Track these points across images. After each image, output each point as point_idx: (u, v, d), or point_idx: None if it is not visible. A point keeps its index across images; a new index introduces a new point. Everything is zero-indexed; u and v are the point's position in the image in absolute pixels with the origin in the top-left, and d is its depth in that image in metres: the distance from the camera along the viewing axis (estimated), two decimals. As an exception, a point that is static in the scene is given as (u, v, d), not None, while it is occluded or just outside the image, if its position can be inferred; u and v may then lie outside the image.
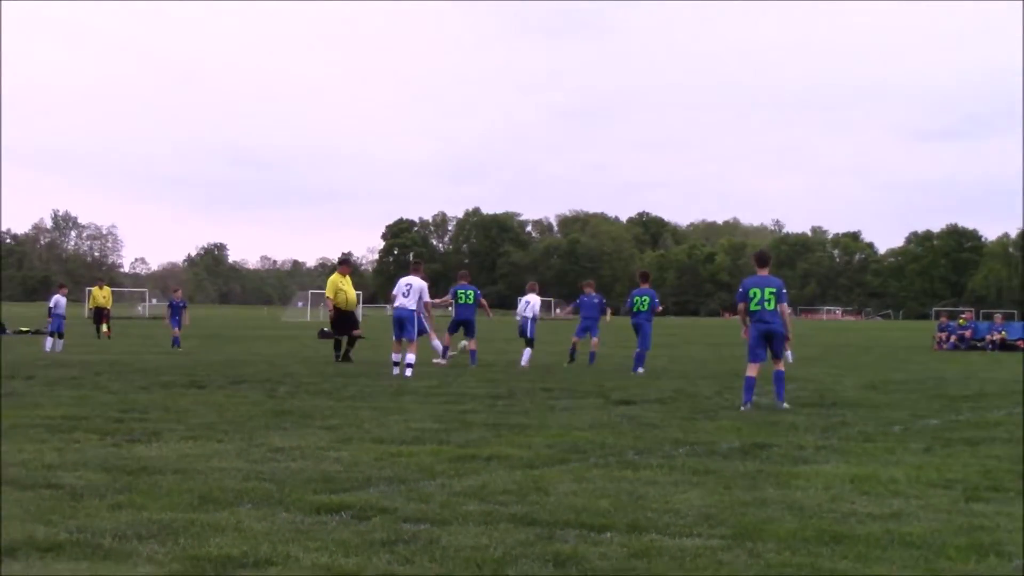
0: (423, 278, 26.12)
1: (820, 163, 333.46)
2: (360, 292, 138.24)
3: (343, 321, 31.21)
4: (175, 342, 38.76)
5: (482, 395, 19.74)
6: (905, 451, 12.92)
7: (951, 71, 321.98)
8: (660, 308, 29.24)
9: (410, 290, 25.62)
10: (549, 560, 7.46)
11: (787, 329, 19.41)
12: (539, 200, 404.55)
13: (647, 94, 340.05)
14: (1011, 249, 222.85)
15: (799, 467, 11.58)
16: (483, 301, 30.17)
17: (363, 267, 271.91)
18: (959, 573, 7.32)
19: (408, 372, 24.41)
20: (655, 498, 9.61)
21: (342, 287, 31.13)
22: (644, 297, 28.61)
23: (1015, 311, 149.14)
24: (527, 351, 29.38)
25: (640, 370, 27.60)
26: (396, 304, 25.66)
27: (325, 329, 55.73)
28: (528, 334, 29.86)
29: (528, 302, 30.81)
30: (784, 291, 19.26)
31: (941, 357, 41.27)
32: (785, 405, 18.61)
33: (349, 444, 12.90)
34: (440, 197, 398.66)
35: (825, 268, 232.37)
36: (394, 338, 25.63)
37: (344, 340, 31.03)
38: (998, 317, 54.86)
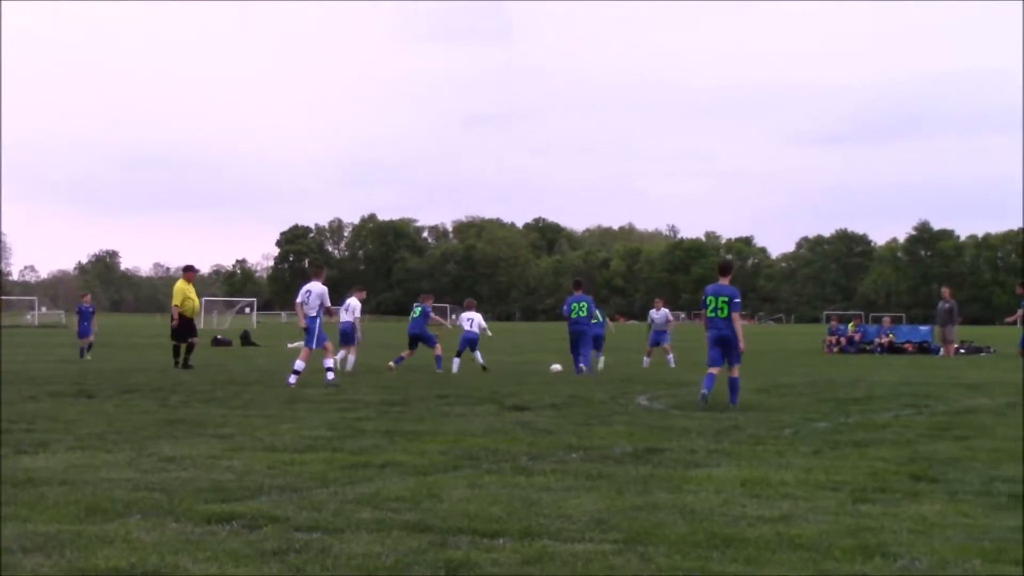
0: (324, 283, 25.67)
1: (714, 168, 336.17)
2: (254, 299, 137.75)
3: (185, 328, 31.04)
4: (82, 352, 37.82)
5: (376, 402, 19.69)
6: (795, 454, 13.05)
7: (843, 76, 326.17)
8: (596, 314, 29.76)
9: (310, 297, 25.21)
10: (441, 567, 7.46)
11: (740, 337, 19.99)
12: (435, 206, 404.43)
13: (542, 99, 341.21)
14: (900, 253, 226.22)
15: (691, 471, 11.66)
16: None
17: (258, 274, 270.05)
18: (845, 574, 7.41)
19: (291, 379, 23.84)
20: (548, 504, 9.64)
21: (189, 295, 31.17)
22: (582, 303, 29.19)
23: (903, 314, 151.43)
24: (456, 360, 30.27)
25: (583, 367, 28.49)
26: (306, 312, 25.20)
27: (219, 336, 55.54)
28: (473, 348, 30.86)
29: (471, 319, 31.58)
30: (737, 300, 20.12)
31: (831, 360, 41.73)
32: (735, 405, 19.29)
33: (241, 453, 12.81)
34: (336, 203, 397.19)
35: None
36: (304, 343, 25.31)
37: (183, 347, 30.86)
38: (886, 320, 55.61)
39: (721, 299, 20.00)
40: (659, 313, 35.95)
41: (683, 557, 7.76)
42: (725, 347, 19.83)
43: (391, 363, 30.28)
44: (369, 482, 10.76)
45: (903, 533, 8.54)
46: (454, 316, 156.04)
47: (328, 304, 25.37)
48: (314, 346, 24.93)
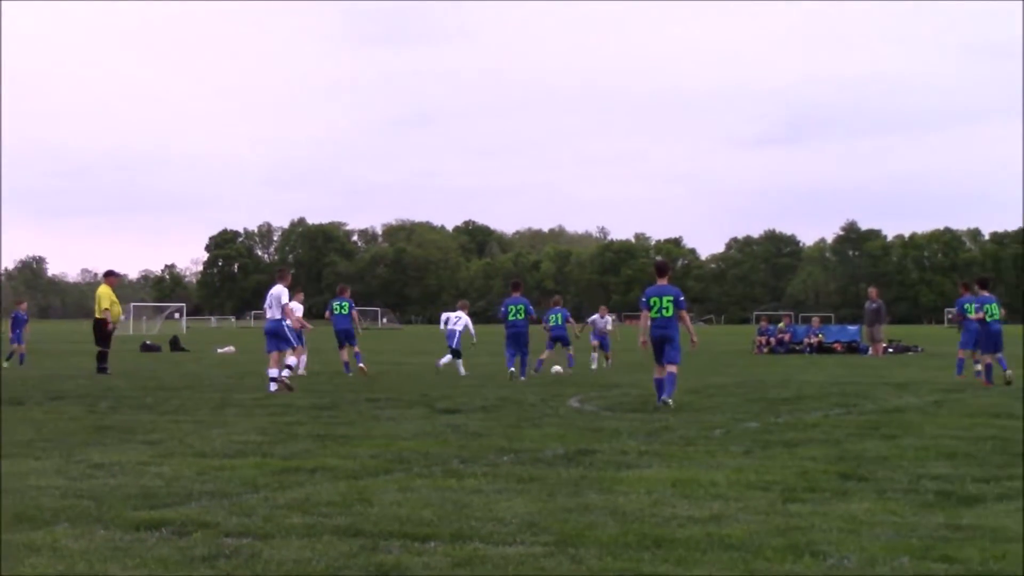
0: (288, 286, 25.67)
1: (643, 170, 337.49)
2: (183, 304, 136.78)
3: (105, 333, 30.78)
4: (22, 358, 37.32)
5: (307, 406, 19.61)
6: (725, 454, 13.11)
7: (769, 79, 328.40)
8: (533, 316, 30.08)
9: (272, 300, 25.22)
10: (373, 571, 7.45)
11: (691, 332, 20.72)
12: (365, 209, 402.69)
13: (472, 101, 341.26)
14: (828, 253, 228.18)
15: (622, 472, 11.68)
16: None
17: (187, 279, 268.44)
18: (776, 573, 7.46)
19: (272, 386, 23.76)
20: (479, 506, 9.63)
21: (114, 300, 30.99)
22: (520, 305, 29.41)
23: (832, 314, 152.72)
24: (458, 361, 30.82)
25: (513, 369, 28.71)
26: (268, 316, 25.37)
27: (147, 342, 55.18)
28: (455, 345, 31.28)
29: (460, 317, 32.26)
30: (682, 299, 20.60)
31: (761, 361, 42.00)
32: (670, 401, 19.55)
33: (171, 459, 12.72)
34: (265, 207, 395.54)
35: (648, 274, 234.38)
36: (266, 350, 25.30)
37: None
38: (815, 320, 56.02)
39: (666, 299, 20.40)
40: (603, 320, 36.42)
41: (614, 558, 7.78)
42: (667, 346, 20.21)
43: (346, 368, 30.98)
44: (299, 487, 10.71)
45: (832, 532, 8.60)
46: (384, 319, 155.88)
47: (287, 303, 25.25)
48: (292, 345, 25.27)
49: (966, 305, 27.25)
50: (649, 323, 20.52)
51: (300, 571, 7.45)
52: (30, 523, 8.91)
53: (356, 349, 31.08)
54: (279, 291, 25.15)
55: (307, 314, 32.74)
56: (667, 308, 20.35)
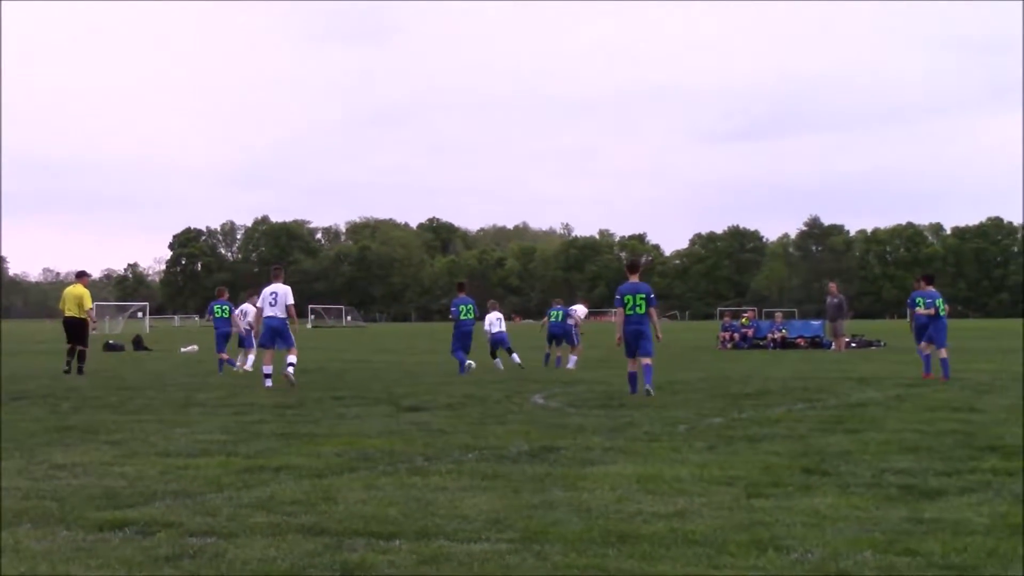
0: (284, 283, 25.87)
1: (607, 166, 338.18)
2: (147, 303, 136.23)
3: (84, 333, 30.68)
4: None
5: (271, 405, 19.58)
6: (690, 450, 13.14)
7: (731, 75, 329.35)
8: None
9: (276, 299, 25.30)
10: (337, 570, 7.44)
11: (656, 329, 21.96)
12: (328, 207, 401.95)
13: (434, 98, 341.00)
14: (791, 249, 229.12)
15: (587, 469, 11.70)
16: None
17: (150, 278, 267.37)
18: (740, 568, 7.48)
19: (289, 370, 24.40)
20: (444, 504, 9.63)
21: (88, 299, 31.03)
22: (469, 305, 30.09)
23: (795, 310, 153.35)
24: (514, 355, 32.21)
25: (464, 373, 29.10)
26: (265, 314, 25.38)
27: (111, 342, 54.92)
28: (506, 344, 32.41)
29: (500, 318, 33.14)
30: (653, 296, 21.73)
31: (725, 356, 42.11)
32: (651, 389, 20.99)
33: (134, 459, 12.67)
34: (228, 205, 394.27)
35: (613, 271, 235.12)
36: (264, 347, 25.58)
37: (78, 352, 30.61)
38: (778, 316, 56.18)
39: (639, 296, 21.53)
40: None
41: (579, 555, 7.79)
42: (641, 339, 21.37)
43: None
44: (264, 486, 10.69)
45: (796, 526, 8.63)
46: (349, 317, 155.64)
47: (290, 302, 25.39)
48: (292, 343, 25.40)
49: (918, 299, 27.38)
50: (623, 319, 21.52)
51: (265, 570, 7.43)
52: (-8, 524, 8.87)
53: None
54: (286, 290, 25.37)
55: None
56: (640, 305, 21.49)
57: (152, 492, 10.35)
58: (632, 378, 21.46)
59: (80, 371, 30.03)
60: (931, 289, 27.20)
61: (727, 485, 10.56)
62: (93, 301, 32.40)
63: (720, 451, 13.05)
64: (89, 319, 30.62)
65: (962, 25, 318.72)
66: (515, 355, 32.10)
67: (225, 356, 32.10)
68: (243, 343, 32.99)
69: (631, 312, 21.52)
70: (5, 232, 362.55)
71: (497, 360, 32.18)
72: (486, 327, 33.20)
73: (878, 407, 18.66)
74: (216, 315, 33.00)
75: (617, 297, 21.87)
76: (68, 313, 30.80)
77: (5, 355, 44.65)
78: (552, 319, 32.71)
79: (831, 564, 7.52)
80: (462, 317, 29.86)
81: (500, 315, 33.20)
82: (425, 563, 7.60)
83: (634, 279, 21.92)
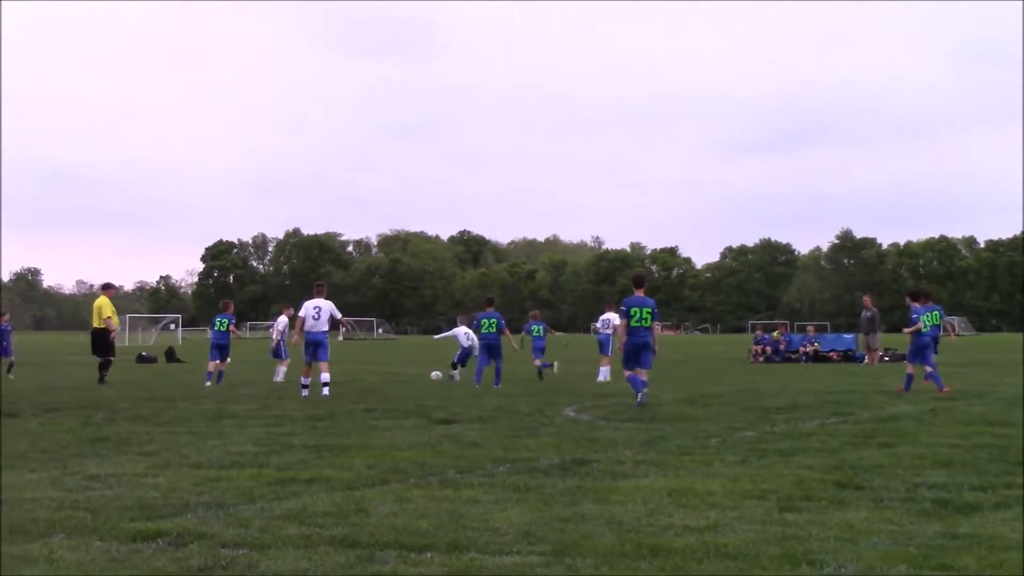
0: (327, 298, 26.70)
1: (638, 179, 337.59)
2: (179, 315, 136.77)
3: (110, 344, 30.85)
4: (10, 368, 37.28)
5: (302, 417, 19.61)
6: (721, 463, 13.10)
7: (763, 86, 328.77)
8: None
9: (320, 313, 26.05)
10: (369, 582, 7.44)
11: (655, 342, 22.62)
12: (359, 219, 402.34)
13: (466, 110, 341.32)
14: (823, 262, 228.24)
15: (618, 482, 11.67)
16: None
17: (182, 290, 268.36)
18: (773, 582, 7.45)
19: (325, 391, 25.04)
20: (475, 517, 9.62)
21: (114, 310, 31.19)
22: (492, 319, 30.21)
23: (827, 323, 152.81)
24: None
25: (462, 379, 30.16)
26: (307, 327, 26.02)
27: (143, 354, 55.12)
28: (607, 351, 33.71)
29: (608, 320, 34.27)
30: (656, 311, 22.59)
31: (756, 369, 42.00)
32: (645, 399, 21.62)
33: (167, 470, 12.71)
34: (259, 218, 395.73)
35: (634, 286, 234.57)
36: (305, 361, 26.04)
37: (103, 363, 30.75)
38: (810, 329, 56.15)
39: (645, 310, 22.28)
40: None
41: (611, 568, 7.77)
42: (644, 352, 22.21)
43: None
44: (296, 498, 10.70)
45: (829, 541, 8.59)
46: (380, 330, 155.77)
47: (339, 316, 26.55)
48: (327, 358, 25.97)
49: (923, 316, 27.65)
50: (627, 331, 22.28)
51: (297, 582, 7.44)
52: (26, 535, 8.90)
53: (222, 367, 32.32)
54: (330, 305, 26.27)
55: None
56: (646, 319, 22.31)
57: (185, 503, 10.38)
58: (635, 380, 22.00)
59: (99, 380, 30.09)
60: (916, 305, 27.35)
61: (759, 499, 10.52)
62: (118, 312, 32.57)
63: (752, 464, 13.01)
64: (108, 328, 30.71)
65: (996, 34, 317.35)
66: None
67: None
68: (278, 354, 33.20)
69: (637, 324, 22.28)
70: (40, 245, 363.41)
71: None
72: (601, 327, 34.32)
73: (912, 421, 18.57)
74: (216, 328, 33.15)
75: (623, 309, 22.55)
76: (94, 324, 31.02)
77: (39, 366, 44.87)
78: (534, 335, 33.75)
79: (865, 579, 7.49)
80: (483, 331, 30.26)
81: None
82: (457, 576, 7.60)
83: (639, 293, 22.80)
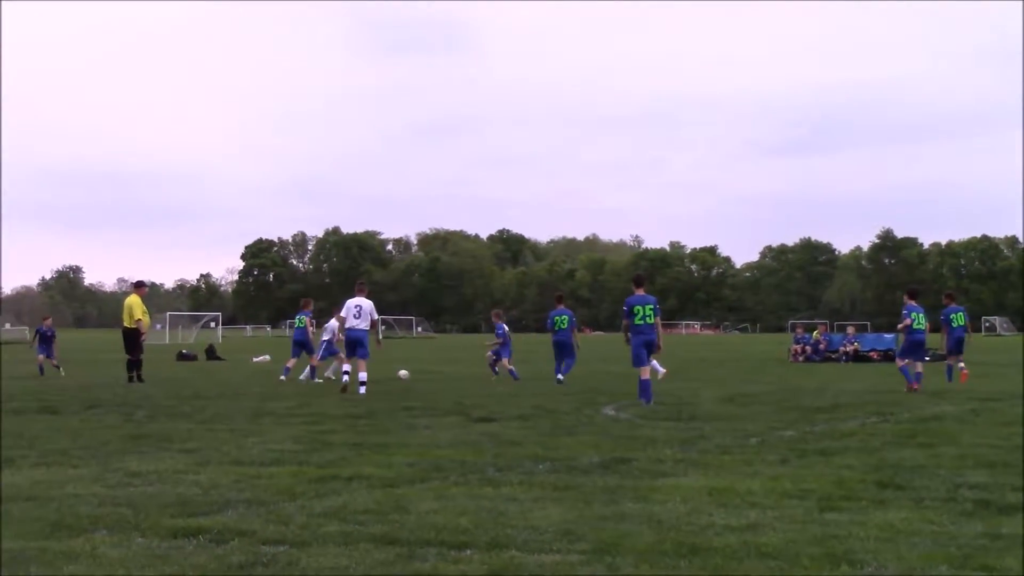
0: (368, 297, 27.30)
1: (677, 178, 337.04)
2: (219, 313, 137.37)
3: (139, 342, 30.97)
4: (41, 369, 37.39)
5: (342, 415, 19.65)
6: (761, 463, 13.06)
7: (803, 84, 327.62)
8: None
9: (361, 311, 26.62)
10: (409, 579, 7.45)
11: (659, 339, 23.13)
12: (399, 218, 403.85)
13: (505, 110, 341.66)
14: (864, 262, 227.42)
15: (658, 481, 11.65)
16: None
17: (222, 288, 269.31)
18: (813, 582, 7.43)
19: (362, 389, 25.54)
20: (515, 515, 9.62)
21: (145, 309, 31.24)
22: (563, 316, 31.15)
23: (868, 323, 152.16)
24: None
25: (560, 377, 30.16)
26: (348, 325, 26.63)
27: (184, 351, 55.36)
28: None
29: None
30: (658, 307, 23.20)
31: (796, 369, 41.85)
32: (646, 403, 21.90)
33: (207, 467, 12.75)
34: (299, 216, 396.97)
35: (683, 283, 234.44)
36: (346, 355, 27.26)
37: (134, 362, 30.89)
38: (851, 329, 55.82)
39: (648, 307, 22.97)
40: None
41: (650, 566, 7.76)
42: (650, 349, 22.94)
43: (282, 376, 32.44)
44: (336, 495, 10.72)
45: (870, 541, 8.56)
46: (419, 328, 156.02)
47: (376, 317, 26.95)
48: (367, 356, 26.58)
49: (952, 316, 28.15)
50: (634, 328, 22.76)
51: (337, 579, 7.46)
52: (68, 531, 8.95)
53: (313, 361, 32.90)
54: (371, 304, 26.82)
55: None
56: (649, 316, 22.87)
57: (225, 500, 10.41)
58: (645, 386, 22.44)
59: (129, 379, 30.19)
60: (912, 303, 27.46)
61: (799, 498, 10.49)
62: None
63: (792, 464, 12.97)
64: (139, 329, 30.82)
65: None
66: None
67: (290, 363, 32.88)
68: (330, 351, 33.44)
69: (641, 322, 22.78)
70: (81, 243, 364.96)
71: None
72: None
73: (953, 421, 18.48)
74: (297, 325, 33.98)
75: (625, 308, 23.18)
76: (124, 324, 31.15)
77: (80, 363, 45.12)
78: (557, 328, 31.59)
79: (906, 579, 7.46)
80: (556, 327, 30.75)
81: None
82: (496, 574, 7.60)
83: (640, 292, 23.31)
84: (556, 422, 18.35)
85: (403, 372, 34.01)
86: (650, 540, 8.57)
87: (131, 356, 30.82)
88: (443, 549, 8.30)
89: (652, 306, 23.01)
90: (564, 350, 30.60)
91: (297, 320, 34.08)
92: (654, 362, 33.07)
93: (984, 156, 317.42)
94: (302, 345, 32.97)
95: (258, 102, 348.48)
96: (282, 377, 31.53)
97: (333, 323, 33.84)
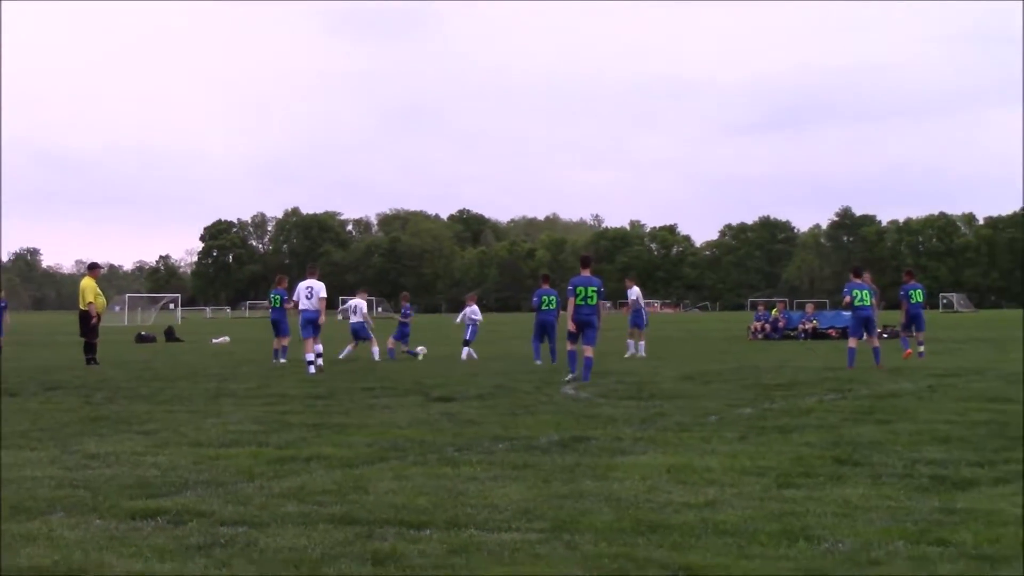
0: (318, 279, 28.30)
1: (637, 157, 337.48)
2: (178, 295, 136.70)
3: (93, 325, 30.75)
4: None
5: (301, 395, 19.64)
6: (720, 440, 13.11)
7: (764, 64, 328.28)
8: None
9: (312, 292, 27.87)
10: (368, 559, 7.44)
11: (599, 321, 23.50)
12: (359, 199, 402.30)
13: (464, 90, 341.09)
14: (822, 239, 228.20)
15: (617, 459, 11.69)
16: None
17: (181, 270, 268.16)
18: (770, 558, 7.46)
19: (313, 368, 26.30)
20: (474, 494, 9.64)
21: (99, 292, 30.97)
22: (551, 296, 29.73)
23: (827, 300, 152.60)
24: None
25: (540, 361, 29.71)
26: (301, 307, 27.73)
27: (143, 333, 55.13)
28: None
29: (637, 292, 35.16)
30: (603, 289, 23.65)
31: (756, 347, 41.98)
32: (583, 378, 22.62)
33: (166, 448, 12.72)
34: (259, 197, 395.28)
35: (643, 262, 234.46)
36: (302, 337, 27.61)
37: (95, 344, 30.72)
38: (810, 307, 56.00)
39: (591, 289, 23.37)
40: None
41: (609, 544, 7.78)
42: (588, 330, 23.20)
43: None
44: (295, 475, 10.72)
45: (827, 516, 8.61)
46: (379, 309, 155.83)
47: (323, 296, 27.85)
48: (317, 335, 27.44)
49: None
50: (574, 309, 23.16)
51: (296, 559, 7.45)
52: (26, 513, 8.92)
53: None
54: (321, 286, 27.84)
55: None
56: (591, 297, 23.28)
57: (184, 481, 10.40)
58: (572, 356, 23.25)
59: (87, 362, 29.99)
60: (857, 280, 27.74)
61: (758, 475, 10.54)
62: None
63: (751, 441, 13.03)
64: (90, 312, 30.55)
65: (995, 16, 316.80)
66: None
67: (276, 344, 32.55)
68: (359, 335, 33.27)
69: (582, 303, 23.20)
70: (39, 225, 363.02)
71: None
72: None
73: (910, 397, 18.59)
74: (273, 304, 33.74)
75: (570, 288, 23.48)
76: (79, 306, 30.93)
77: (39, 346, 44.89)
78: (544, 307, 29.53)
79: (862, 554, 7.50)
80: (543, 308, 29.64)
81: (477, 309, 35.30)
82: (455, 552, 7.61)
83: (586, 273, 23.78)
84: (515, 401, 18.38)
85: (420, 348, 34.48)
86: (609, 518, 8.60)
87: (86, 339, 30.63)
88: (402, 528, 8.31)
89: (595, 288, 23.39)
90: (549, 331, 29.64)
91: (271, 299, 33.71)
92: (640, 344, 33.38)
93: (941, 135, 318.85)
94: (276, 324, 32.56)
95: (218, 83, 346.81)
96: (282, 360, 31.04)
97: (359, 302, 33.89)
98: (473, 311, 34.70)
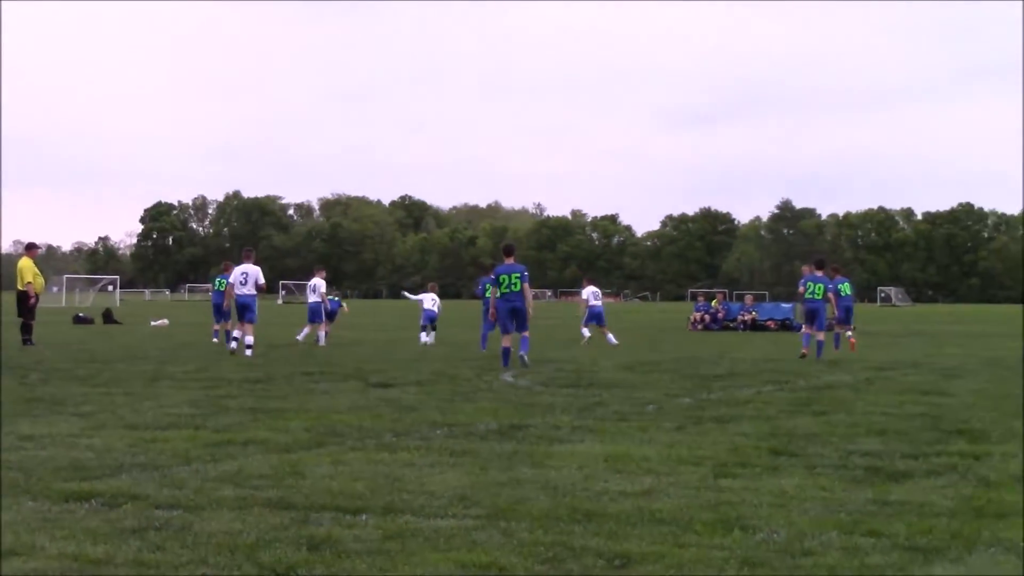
0: (255, 264, 28.58)
1: (580, 146, 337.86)
2: (117, 277, 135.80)
3: (30, 306, 30.50)
4: None
5: (239, 379, 19.55)
6: (658, 430, 13.15)
7: (706, 56, 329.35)
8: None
9: (247, 278, 27.97)
10: (303, 544, 7.41)
11: (529, 306, 23.75)
12: (300, 183, 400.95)
13: (408, 75, 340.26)
14: (763, 232, 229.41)
15: (555, 447, 11.70)
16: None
17: (121, 251, 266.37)
18: (705, 547, 7.49)
19: (248, 352, 26.39)
20: (411, 480, 9.62)
21: (37, 272, 30.68)
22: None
23: (766, 292, 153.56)
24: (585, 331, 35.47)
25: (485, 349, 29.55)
26: (236, 292, 27.82)
27: (81, 314, 54.69)
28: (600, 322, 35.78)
29: (595, 292, 36.58)
30: (527, 275, 23.94)
31: (695, 337, 42.16)
32: (526, 358, 23.15)
33: (102, 431, 12.63)
34: (199, 180, 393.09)
35: (585, 251, 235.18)
36: (237, 319, 28.38)
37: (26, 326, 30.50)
38: (749, 298, 56.40)
39: (514, 276, 23.68)
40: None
41: (545, 532, 7.79)
42: (516, 316, 23.61)
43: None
44: (231, 460, 10.67)
45: (763, 507, 8.65)
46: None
47: (262, 283, 27.98)
48: (255, 320, 27.82)
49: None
50: (500, 297, 23.71)
51: (231, 543, 7.41)
52: (-43, 494, 8.83)
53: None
54: (257, 270, 28.05)
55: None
56: (515, 284, 23.61)
57: (119, 464, 10.33)
58: (506, 353, 23.28)
59: (24, 342, 29.72)
60: (819, 274, 28.32)
61: (695, 465, 10.57)
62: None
63: (688, 431, 13.07)
64: (28, 292, 30.25)
65: (937, 8, 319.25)
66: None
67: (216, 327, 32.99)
68: (315, 317, 33.02)
69: (507, 291, 23.61)
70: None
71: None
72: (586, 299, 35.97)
73: (847, 389, 18.73)
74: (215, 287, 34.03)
75: (492, 277, 24.26)
76: (17, 286, 30.63)
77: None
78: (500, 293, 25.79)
79: (796, 544, 7.53)
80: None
81: (597, 290, 36.74)
82: (391, 538, 7.59)
83: (509, 261, 24.03)
84: (455, 388, 18.39)
85: (305, 330, 34.24)
86: (545, 506, 8.60)
87: (23, 319, 30.38)
88: (338, 514, 8.28)
89: (519, 274, 23.72)
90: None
91: (217, 283, 33.99)
92: (609, 335, 33.57)
93: (882, 129, 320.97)
94: (219, 308, 32.50)
95: (159, 62, 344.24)
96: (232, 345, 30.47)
97: (318, 282, 33.48)
98: (433, 299, 34.53)
